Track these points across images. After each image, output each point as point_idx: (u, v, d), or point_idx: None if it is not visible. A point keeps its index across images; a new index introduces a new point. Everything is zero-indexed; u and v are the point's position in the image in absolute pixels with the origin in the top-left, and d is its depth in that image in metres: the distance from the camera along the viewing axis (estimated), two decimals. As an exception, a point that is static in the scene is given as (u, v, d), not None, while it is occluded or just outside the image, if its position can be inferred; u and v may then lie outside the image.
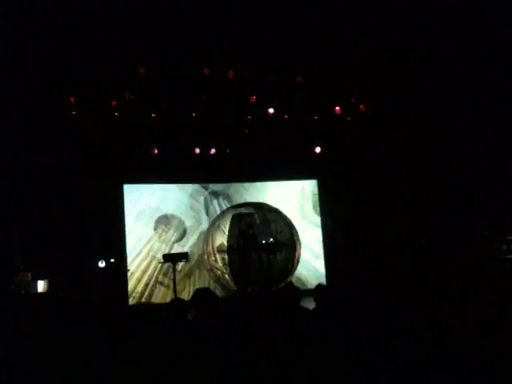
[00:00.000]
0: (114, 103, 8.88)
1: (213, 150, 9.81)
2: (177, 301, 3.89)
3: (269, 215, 10.46)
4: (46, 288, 8.20)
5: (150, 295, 9.51)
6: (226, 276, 10.04)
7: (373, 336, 2.99)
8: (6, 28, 6.79)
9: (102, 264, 8.91)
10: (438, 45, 8.27)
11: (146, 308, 8.79)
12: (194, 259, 9.88)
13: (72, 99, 8.57)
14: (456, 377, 2.69)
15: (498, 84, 8.32)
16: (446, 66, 8.67)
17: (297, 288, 3.96)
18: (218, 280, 10.04)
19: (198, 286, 9.72)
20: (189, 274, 9.86)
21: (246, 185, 10.61)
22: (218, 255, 10.11)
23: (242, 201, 10.48)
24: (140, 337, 3.27)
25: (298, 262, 10.48)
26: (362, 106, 9.80)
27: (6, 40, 6.95)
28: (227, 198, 10.47)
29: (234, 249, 10.02)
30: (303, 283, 10.37)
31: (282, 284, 9.78)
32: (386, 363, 2.74)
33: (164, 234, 9.90)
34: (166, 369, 2.77)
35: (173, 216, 10.02)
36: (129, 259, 9.51)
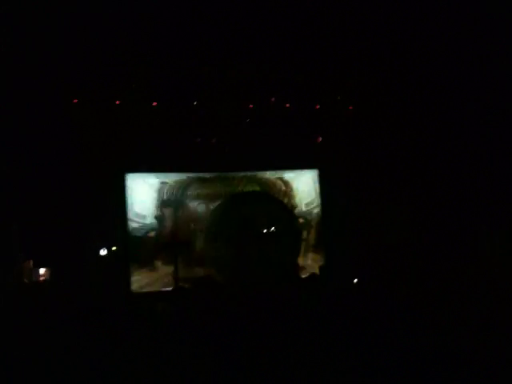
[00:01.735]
0: (115, 92, 8.86)
1: (213, 140, 9.79)
2: (179, 289, 3.91)
3: (270, 206, 10.45)
4: (47, 275, 8.26)
5: (152, 284, 9.53)
6: (227, 266, 10.06)
7: (373, 335, 3.01)
8: (5, 20, 6.74)
9: (103, 252, 8.95)
10: (440, 41, 8.23)
11: (148, 296, 8.83)
12: (195, 248, 9.89)
13: (72, 89, 8.53)
14: (456, 377, 2.71)
15: (498, 83, 8.29)
16: (447, 62, 8.62)
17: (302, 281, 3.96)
18: (219, 269, 10.06)
19: (199, 275, 9.75)
20: (190, 263, 9.88)
21: (247, 174, 10.58)
22: (219, 245, 10.12)
23: (242, 190, 10.47)
24: (141, 330, 3.30)
25: (298, 253, 10.49)
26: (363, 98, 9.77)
27: (4, 32, 6.91)
28: (228, 187, 10.44)
29: (234, 239, 10.03)
30: (303, 275, 10.38)
31: (286, 277, 9.80)
32: (386, 363, 2.76)
33: (165, 222, 9.90)
34: (165, 365, 2.79)
35: (174, 205, 10.01)
36: (130, 247, 9.53)
